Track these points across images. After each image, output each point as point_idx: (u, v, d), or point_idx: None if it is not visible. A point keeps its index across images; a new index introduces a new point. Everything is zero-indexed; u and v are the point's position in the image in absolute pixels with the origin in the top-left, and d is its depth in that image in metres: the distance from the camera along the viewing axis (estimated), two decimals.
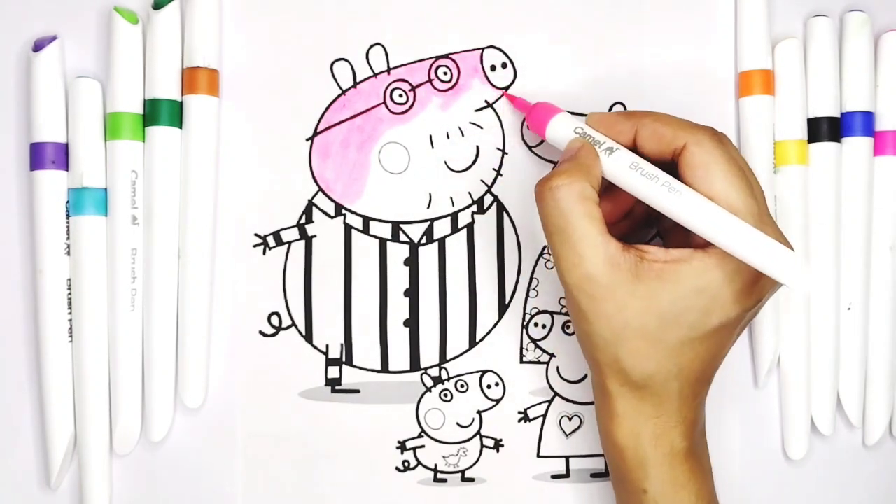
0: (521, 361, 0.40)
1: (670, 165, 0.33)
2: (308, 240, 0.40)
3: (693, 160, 0.32)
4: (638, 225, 0.38)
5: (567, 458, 0.40)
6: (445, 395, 0.40)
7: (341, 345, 0.40)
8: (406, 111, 0.40)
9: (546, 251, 0.40)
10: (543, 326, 0.40)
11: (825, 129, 0.40)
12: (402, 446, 0.40)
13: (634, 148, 0.34)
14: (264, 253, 0.40)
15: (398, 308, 0.40)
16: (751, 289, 0.32)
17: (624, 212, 0.37)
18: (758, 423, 0.41)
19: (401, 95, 0.40)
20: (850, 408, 0.41)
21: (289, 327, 0.40)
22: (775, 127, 0.40)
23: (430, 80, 0.40)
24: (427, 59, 0.40)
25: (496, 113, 0.40)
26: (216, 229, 0.39)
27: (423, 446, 0.40)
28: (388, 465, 0.40)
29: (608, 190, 0.35)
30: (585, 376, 0.40)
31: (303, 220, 0.40)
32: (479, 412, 0.40)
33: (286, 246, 0.40)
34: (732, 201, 0.31)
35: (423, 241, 0.40)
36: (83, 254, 0.38)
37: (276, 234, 0.40)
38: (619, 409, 0.33)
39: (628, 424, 0.33)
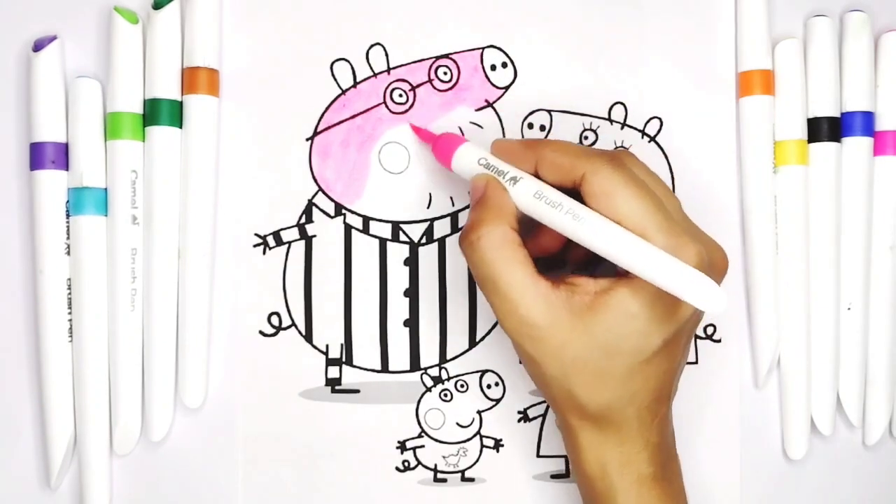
0: (521, 361, 0.40)
1: (576, 193, 0.33)
2: (308, 240, 0.40)
3: (592, 189, 0.32)
4: (577, 255, 0.37)
5: (567, 457, 0.40)
6: (445, 395, 0.40)
7: (341, 345, 0.40)
8: (406, 111, 0.40)
9: None
10: None
11: (825, 129, 0.40)
12: (402, 446, 0.40)
13: (538, 178, 0.34)
14: (264, 253, 0.40)
15: (398, 308, 0.40)
16: (674, 307, 0.32)
17: (558, 247, 0.36)
18: (758, 423, 0.41)
19: (401, 95, 0.40)
20: (850, 408, 0.41)
21: (289, 327, 0.40)
22: (775, 127, 0.40)
23: (430, 80, 0.40)
24: (427, 59, 0.40)
25: (496, 113, 0.40)
26: (216, 229, 0.39)
27: (423, 446, 0.40)
28: (388, 465, 0.40)
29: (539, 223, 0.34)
30: None
31: (303, 220, 0.40)
32: (479, 412, 0.40)
33: (286, 246, 0.40)
34: (638, 221, 0.31)
35: (423, 241, 0.40)
36: (83, 254, 0.38)
37: (276, 234, 0.40)
38: (583, 442, 0.33)
39: (594, 456, 0.33)
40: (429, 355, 0.40)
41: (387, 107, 0.40)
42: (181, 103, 0.39)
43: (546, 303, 0.32)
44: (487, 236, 0.32)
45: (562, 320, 0.32)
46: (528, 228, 0.34)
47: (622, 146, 0.40)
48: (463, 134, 0.40)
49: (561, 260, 0.37)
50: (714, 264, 0.33)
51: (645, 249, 0.30)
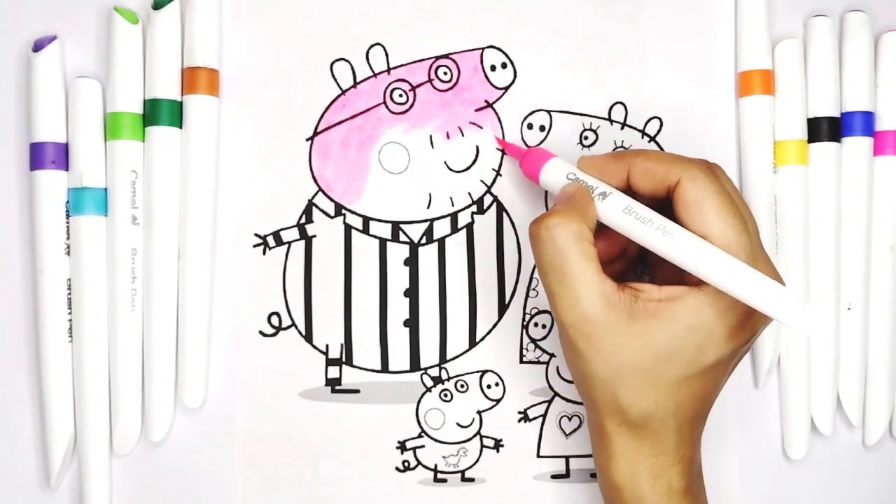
0: (521, 361, 0.40)
1: (665, 202, 0.33)
2: (308, 240, 0.40)
3: (687, 196, 0.32)
4: (631, 264, 0.38)
5: (567, 458, 0.40)
6: (445, 395, 0.40)
7: (341, 345, 0.40)
8: (406, 111, 0.40)
9: None
10: (543, 326, 0.40)
11: (825, 129, 0.40)
12: (402, 446, 0.40)
13: (628, 188, 0.34)
14: (264, 253, 0.40)
15: (398, 308, 0.40)
16: (744, 325, 0.32)
17: (618, 252, 0.36)
18: (758, 423, 0.41)
19: (401, 95, 0.40)
20: (850, 408, 0.41)
21: (289, 327, 0.40)
22: (775, 127, 0.40)
23: (430, 80, 0.40)
24: (427, 59, 0.40)
25: (496, 113, 0.40)
26: (216, 229, 0.39)
27: (423, 446, 0.40)
28: (388, 465, 0.40)
29: (602, 230, 0.34)
30: None
31: (303, 220, 0.40)
32: (479, 412, 0.40)
33: (286, 246, 0.40)
34: (726, 238, 0.31)
35: (423, 241, 0.40)
36: (83, 254, 0.38)
37: (276, 234, 0.40)
38: (616, 448, 0.33)
39: (626, 464, 0.33)
40: (429, 355, 0.40)
41: (387, 107, 0.40)
42: (181, 103, 0.39)
43: (608, 302, 0.32)
44: (566, 226, 0.32)
45: (621, 322, 0.32)
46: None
47: (622, 146, 0.40)
48: (463, 134, 0.40)
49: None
50: None
51: (736, 266, 0.30)
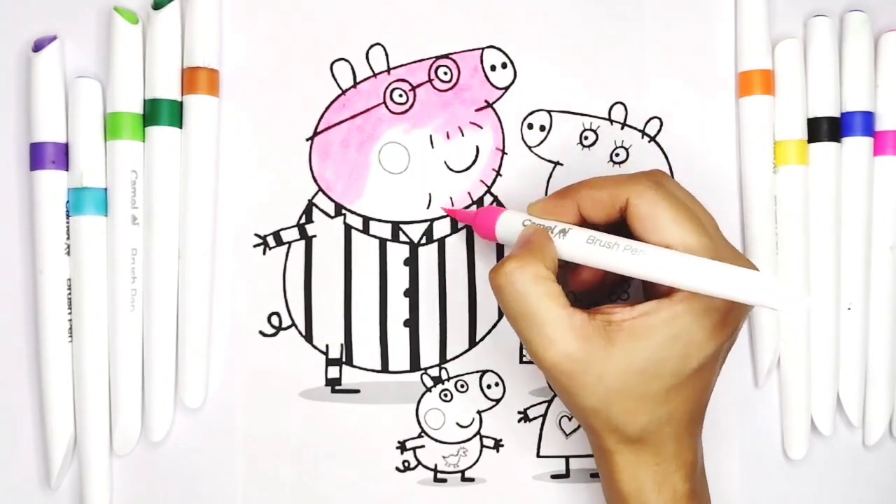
0: (521, 361, 0.40)
1: (621, 226, 0.33)
2: (308, 240, 0.40)
3: (639, 212, 0.32)
4: (613, 285, 0.38)
5: (567, 458, 0.40)
6: (445, 395, 0.40)
7: (341, 345, 0.40)
8: (406, 111, 0.40)
9: None
10: None
11: (825, 129, 0.40)
12: (402, 446, 0.40)
13: (583, 222, 0.34)
14: (264, 253, 0.40)
15: (398, 308, 0.40)
16: (723, 322, 0.32)
17: (602, 275, 0.36)
18: (758, 423, 0.41)
19: (401, 95, 0.40)
20: (850, 408, 0.41)
21: (289, 327, 0.40)
22: (775, 127, 0.40)
23: (430, 80, 0.40)
24: (427, 59, 0.40)
25: (496, 113, 0.40)
26: (216, 229, 0.39)
27: (423, 446, 0.40)
28: (388, 465, 0.40)
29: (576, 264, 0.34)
30: None
31: (303, 220, 0.40)
32: (479, 412, 0.40)
33: (286, 246, 0.40)
34: (687, 242, 0.31)
35: (423, 241, 0.40)
36: (83, 254, 0.38)
37: (276, 234, 0.40)
38: (619, 463, 0.33)
39: (630, 475, 0.33)
40: (429, 355, 0.40)
41: (387, 107, 0.40)
42: (181, 103, 0.39)
43: (583, 336, 0.31)
44: (522, 269, 0.32)
45: (599, 351, 0.31)
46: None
47: (622, 146, 0.40)
48: (463, 134, 0.40)
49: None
50: None
51: (715, 268, 0.30)
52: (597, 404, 0.32)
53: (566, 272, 0.34)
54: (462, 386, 0.40)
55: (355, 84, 0.40)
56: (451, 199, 0.40)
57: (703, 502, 0.35)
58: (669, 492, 0.33)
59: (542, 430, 0.40)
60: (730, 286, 0.29)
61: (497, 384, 0.40)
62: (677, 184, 0.34)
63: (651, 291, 0.34)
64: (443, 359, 0.40)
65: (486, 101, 0.40)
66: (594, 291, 0.37)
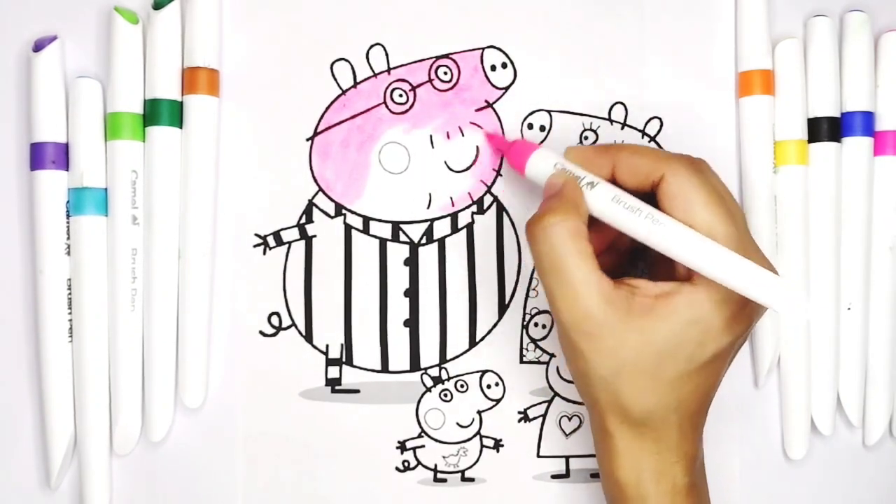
0: (521, 361, 0.40)
1: (650, 197, 0.33)
2: (308, 240, 0.40)
3: (671, 190, 0.32)
4: (622, 257, 0.38)
5: (567, 458, 0.40)
6: (445, 395, 0.40)
7: (341, 345, 0.40)
8: (406, 111, 0.40)
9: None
10: (543, 326, 0.40)
11: (825, 129, 0.40)
12: (402, 446, 0.40)
13: (613, 181, 0.34)
14: (264, 253, 0.40)
15: (398, 308, 0.40)
16: (739, 315, 0.32)
17: (607, 244, 0.36)
18: (758, 423, 0.41)
19: (401, 95, 0.40)
20: (850, 408, 0.41)
21: (289, 327, 0.40)
22: (775, 127, 0.40)
23: (430, 80, 0.40)
24: (427, 59, 0.40)
25: (496, 113, 0.40)
26: (216, 229, 0.39)
27: (423, 446, 0.40)
28: (388, 465, 0.40)
29: (590, 222, 0.34)
30: None
31: (303, 220, 0.40)
32: (479, 412, 0.40)
33: (286, 246, 0.40)
34: (713, 229, 0.31)
35: (423, 241, 0.40)
36: (83, 254, 0.38)
37: (277, 234, 0.40)
38: (619, 447, 0.33)
39: (629, 462, 0.33)
40: (429, 355, 0.40)
41: (387, 107, 0.40)
42: (181, 103, 0.39)
43: (607, 300, 0.32)
44: (562, 224, 0.32)
45: (620, 319, 0.31)
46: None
47: None
48: (463, 134, 0.40)
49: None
50: None
51: (725, 255, 0.30)
52: (608, 375, 0.32)
53: None
54: (462, 386, 0.40)
55: (355, 84, 0.40)
56: (451, 198, 0.40)
57: (703, 498, 0.34)
58: (668, 484, 0.33)
59: (542, 430, 0.40)
60: (739, 279, 0.30)
61: (497, 384, 0.40)
62: (716, 174, 0.34)
63: (666, 273, 0.34)
64: (443, 359, 0.40)
65: (486, 101, 0.40)
66: (598, 257, 0.37)
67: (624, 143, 0.34)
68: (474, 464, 0.40)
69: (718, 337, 0.32)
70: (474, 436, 0.40)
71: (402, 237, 0.40)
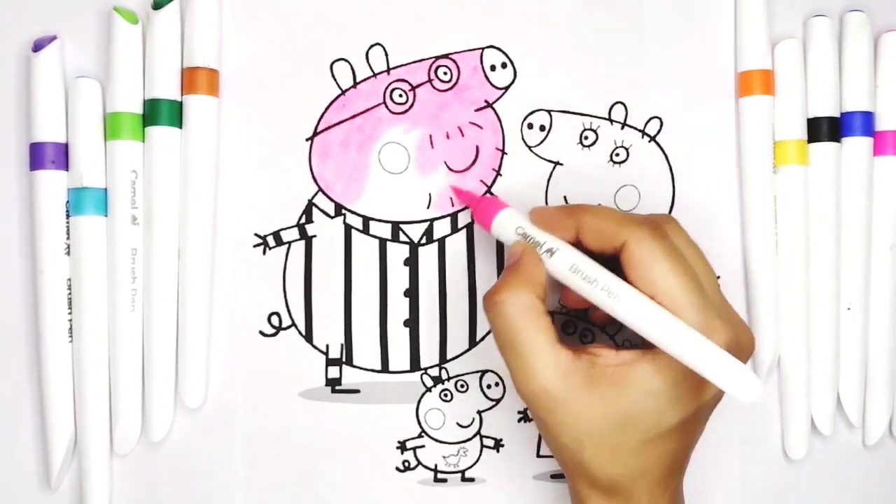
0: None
1: (616, 259, 0.33)
2: (308, 240, 0.40)
3: (633, 258, 0.32)
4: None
5: None
6: (445, 395, 0.40)
7: (341, 345, 0.40)
8: (406, 111, 0.40)
9: None
10: None
11: (825, 129, 0.40)
12: (402, 446, 0.40)
13: (579, 243, 0.34)
14: (264, 253, 0.40)
15: (398, 308, 0.40)
16: (699, 387, 0.32)
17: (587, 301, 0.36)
18: (758, 423, 0.41)
19: (401, 95, 0.40)
20: (850, 408, 0.41)
21: (289, 327, 0.40)
22: (775, 127, 0.40)
23: (430, 80, 0.40)
24: (427, 59, 0.40)
25: (496, 113, 0.40)
26: (216, 229, 0.39)
27: (423, 446, 0.40)
28: (388, 465, 0.40)
29: None
30: None
31: (303, 220, 0.40)
32: (479, 412, 0.40)
33: (286, 246, 0.40)
34: (675, 300, 0.31)
35: (423, 241, 0.40)
36: (83, 254, 0.38)
37: (276, 234, 0.40)
38: None
39: None
40: (429, 355, 0.40)
41: (387, 107, 0.40)
42: (181, 103, 0.39)
43: (565, 374, 0.31)
44: (512, 300, 0.32)
45: (578, 392, 0.31)
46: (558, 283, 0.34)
47: (622, 146, 0.40)
48: (463, 134, 0.40)
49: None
50: (742, 348, 0.32)
51: (679, 330, 0.30)
52: (570, 444, 0.32)
53: (559, 287, 0.34)
54: (462, 386, 0.40)
55: (355, 84, 0.40)
56: (451, 198, 0.40)
57: None
58: None
59: None
60: (690, 354, 0.29)
61: (497, 384, 0.40)
62: (684, 234, 0.34)
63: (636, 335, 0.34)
64: (443, 359, 0.40)
65: (486, 101, 0.40)
66: (597, 321, 0.37)
67: (588, 206, 0.34)
68: (474, 464, 0.40)
69: (680, 406, 0.32)
70: (474, 436, 0.40)
71: (402, 237, 0.40)
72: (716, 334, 0.31)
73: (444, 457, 0.40)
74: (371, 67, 0.40)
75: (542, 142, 0.40)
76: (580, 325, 0.40)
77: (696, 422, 0.33)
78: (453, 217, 0.40)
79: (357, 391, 0.40)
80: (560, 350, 0.32)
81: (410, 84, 0.40)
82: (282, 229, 0.40)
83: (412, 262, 0.40)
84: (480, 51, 0.40)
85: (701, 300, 0.31)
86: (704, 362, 0.29)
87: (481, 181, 0.40)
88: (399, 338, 0.40)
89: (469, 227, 0.40)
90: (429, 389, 0.40)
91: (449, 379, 0.40)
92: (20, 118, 0.39)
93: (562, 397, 0.32)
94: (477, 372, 0.40)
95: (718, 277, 0.38)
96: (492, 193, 0.40)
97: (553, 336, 0.32)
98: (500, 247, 0.40)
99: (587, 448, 0.32)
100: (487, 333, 0.40)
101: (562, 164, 0.40)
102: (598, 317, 0.38)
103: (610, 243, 0.33)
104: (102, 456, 0.38)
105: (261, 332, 0.40)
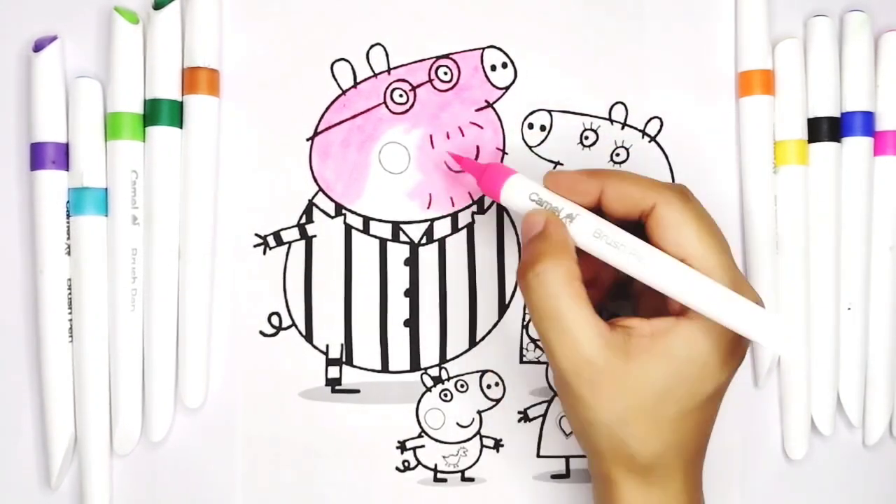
0: (521, 361, 0.40)
1: (636, 224, 0.33)
2: (308, 240, 0.40)
3: (663, 221, 0.31)
4: (606, 291, 0.37)
5: (567, 457, 0.40)
6: (445, 395, 0.40)
7: (341, 345, 0.40)
8: (406, 111, 0.40)
9: None
10: None
11: (825, 129, 0.40)
12: (402, 446, 0.40)
13: (598, 208, 0.33)
14: (264, 253, 0.40)
15: (398, 308, 0.40)
16: (736, 350, 0.32)
17: (590, 278, 0.34)
18: (758, 423, 0.41)
19: (401, 95, 0.40)
20: (850, 408, 0.41)
21: (289, 327, 0.40)
22: (775, 127, 0.40)
23: (430, 80, 0.40)
24: (427, 59, 0.40)
25: (496, 113, 0.40)
26: (216, 229, 0.39)
27: (423, 446, 0.40)
28: (388, 465, 0.40)
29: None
30: None
31: (303, 220, 0.40)
32: (479, 412, 0.40)
33: (286, 246, 0.40)
34: (706, 261, 0.31)
35: (423, 241, 0.40)
36: (83, 254, 0.38)
37: (277, 234, 0.40)
38: (624, 496, 0.32)
39: None
40: (429, 355, 0.40)
41: (387, 107, 0.40)
42: (181, 103, 0.39)
43: (607, 344, 0.31)
44: (554, 270, 0.31)
45: (620, 363, 0.31)
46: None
47: (622, 146, 0.40)
48: (463, 134, 0.40)
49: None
50: None
51: (715, 290, 0.30)
52: (612, 421, 0.31)
53: None
54: (462, 386, 0.40)
55: (355, 84, 0.40)
56: (451, 198, 0.40)
57: None
58: None
59: (542, 430, 0.40)
60: (727, 313, 0.29)
61: (497, 384, 0.40)
62: (702, 205, 0.33)
63: (656, 302, 0.33)
64: (443, 359, 0.40)
65: (486, 101, 0.40)
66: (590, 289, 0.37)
67: (612, 169, 0.33)
68: (474, 464, 0.40)
69: (716, 372, 0.31)
70: (474, 436, 0.40)
71: (402, 237, 0.40)
72: (747, 293, 0.30)
73: (443, 457, 0.40)
74: (371, 67, 0.40)
75: (542, 142, 0.40)
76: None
77: (723, 393, 0.33)
78: (453, 217, 0.40)
79: (357, 391, 0.40)
80: (599, 321, 0.31)
81: (411, 84, 0.40)
82: (282, 229, 0.40)
83: (412, 262, 0.40)
84: (481, 51, 0.40)
85: (730, 261, 0.31)
86: (744, 319, 0.29)
87: None
88: (399, 338, 0.40)
89: (469, 227, 0.40)
90: (429, 389, 0.40)
91: (449, 379, 0.40)
92: (20, 118, 0.39)
93: (605, 369, 0.31)
94: (477, 372, 0.40)
95: None
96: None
97: (591, 307, 0.31)
98: (500, 247, 0.40)
99: (628, 424, 0.31)
100: (487, 333, 0.40)
101: (562, 165, 0.40)
102: (602, 283, 0.36)
103: (636, 207, 0.32)
104: (102, 456, 0.38)
105: (261, 332, 0.40)
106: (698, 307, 0.30)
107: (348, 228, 0.40)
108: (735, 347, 0.32)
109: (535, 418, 0.40)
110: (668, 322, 0.31)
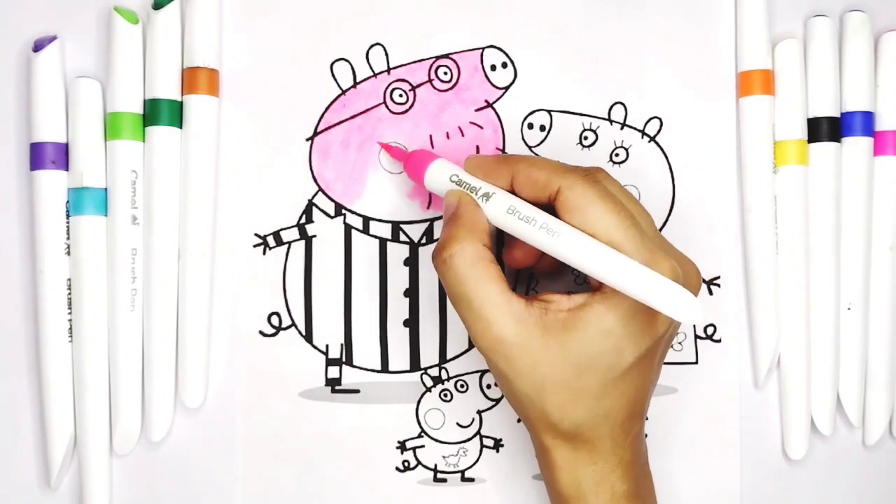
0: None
1: (550, 209, 0.33)
2: (308, 240, 0.40)
3: (567, 203, 0.32)
4: (552, 266, 0.37)
5: None
6: (445, 395, 0.40)
7: (341, 345, 0.40)
8: (406, 111, 0.40)
9: None
10: None
11: (825, 129, 0.40)
12: (402, 446, 0.40)
13: (513, 193, 0.34)
14: (264, 253, 0.40)
15: (398, 308, 0.40)
16: (651, 321, 0.32)
17: (537, 255, 0.36)
18: (758, 423, 0.41)
19: (401, 95, 0.40)
20: (850, 408, 0.41)
21: (289, 327, 0.40)
22: (775, 127, 0.40)
23: (430, 80, 0.40)
24: (427, 59, 0.40)
25: (496, 113, 0.40)
26: (216, 229, 0.39)
27: (423, 446, 0.40)
28: (388, 465, 0.40)
29: (514, 238, 0.34)
30: None
31: (303, 220, 0.40)
32: (479, 412, 0.40)
33: (286, 246, 0.40)
34: (612, 235, 0.31)
35: (423, 241, 0.40)
36: (83, 254, 0.38)
37: (276, 234, 0.40)
38: (557, 460, 0.33)
39: (568, 474, 0.33)
40: (429, 355, 0.40)
41: (387, 107, 0.40)
42: (181, 103, 0.39)
43: (519, 321, 0.32)
44: (461, 253, 0.32)
45: (535, 338, 0.32)
46: (502, 242, 0.34)
47: (622, 146, 0.40)
48: (463, 134, 0.40)
49: (534, 271, 0.37)
50: (688, 279, 0.33)
51: (621, 261, 0.30)
52: (532, 392, 0.32)
53: (500, 252, 0.34)
54: (462, 386, 0.40)
55: (355, 84, 0.40)
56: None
57: (645, 502, 0.34)
58: (608, 492, 0.33)
59: None
60: (628, 282, 0.30)
61: (497, 384, 0.40)
62: (615, 181, 0.34)
63: (587, 281, 0.34)
64: (443, 359, 0.40)
65: (486, 101, 0.40)
66: (539, 272, 0.36)
67: (522, 155, 0.34)
68: (474, 464, 0.40)
69: (636, 342, 0.32)
70: (474, 436, 0.40)
71: (402, 237, 0.40)
72: (659, 266, 0.31)
73: (443, 457, 0.40)
74: (371, 67, 0.40)
75: (542, 142, 0.40)
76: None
77: (652, 360, 0.33)
78: None
79: (357, 391, 0.40)
80: (512, 298, 0.32)
81: (411, 84, 0.40)
82: (282, 229, 0.40)
83: (412, 262, 0.40)
84: (481, 51, 0.40)
85: (639, 235, 0.31)
86: (645, 289, 0.29)
87: None
88: (399, 338, 0.40)
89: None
90: (429, 389, 0.40)
91: (449, 379, 0.40)
92: (20, 118, 0.39)
93: (518, 345, 0.32)
94: (477, 372, 0.40)
95: (709, 274, 0.39)
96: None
97: (504, 285, 0.32)
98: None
99: (549, 395, 0.32)
100: None
101: None
102: (543, 265, 0.37)
103: (543, 191, 0.33)
104: (102, 456, 0.38)
105: (261, 332, 0.40)
106: (603, 278, 0.30)
107: (348, 228, 0.40)
108: (650, 318, 0.32)
109: None
110: (585, 297, 0.32)
